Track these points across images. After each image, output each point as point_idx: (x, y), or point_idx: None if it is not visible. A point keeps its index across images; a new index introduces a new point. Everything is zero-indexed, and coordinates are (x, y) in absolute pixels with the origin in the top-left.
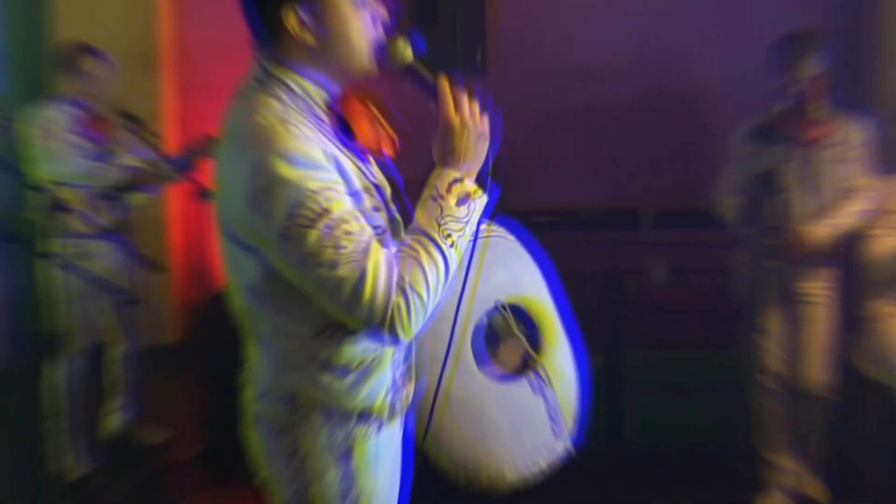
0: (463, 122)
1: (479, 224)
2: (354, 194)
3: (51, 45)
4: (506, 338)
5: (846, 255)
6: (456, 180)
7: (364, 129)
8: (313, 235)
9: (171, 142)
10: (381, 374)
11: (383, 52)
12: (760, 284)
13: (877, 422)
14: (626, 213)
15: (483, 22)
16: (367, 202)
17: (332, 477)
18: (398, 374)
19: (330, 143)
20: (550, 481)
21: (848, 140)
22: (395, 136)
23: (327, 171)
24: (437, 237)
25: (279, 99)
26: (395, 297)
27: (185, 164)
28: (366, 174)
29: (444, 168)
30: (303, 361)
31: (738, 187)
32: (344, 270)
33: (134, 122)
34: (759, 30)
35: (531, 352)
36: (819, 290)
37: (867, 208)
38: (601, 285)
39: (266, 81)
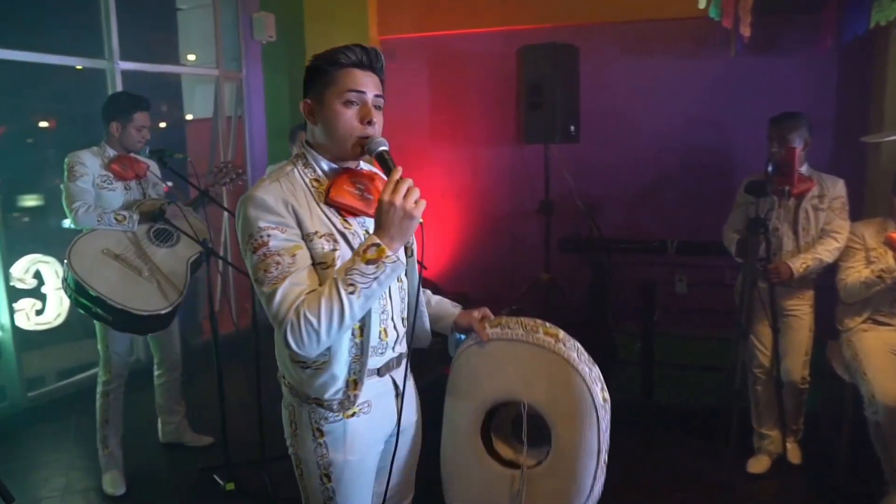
0: (390, 202)
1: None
2: (306, 235)
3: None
4: (516, 433)
5: (824, 281)
6: (375, 245)
7: (343, 195)
8: (254, 258)
9: None
10: (328, 374)
11: (366, 143)
12: (753, 300)
13: (847, 408)
14: (657, 243)
15: (577, 105)
16: (322, 242)
17: (309, 446)
18: (348, 380)
19: (304, 199)
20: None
21: (825, 194)
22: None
23: (279, 217)
24: (340, 284)
25: (295, 165)
26: (292, 316)
27: None
28: (334, 223)
29: (372, 234)
30: (284, 355)
31: (738, 227)
32: (266, 287)
33: None
34: (767, 111)
35: (524, 457)
36: (801, 306)
37: (840, 246)
38: (641, 293)
39: (299, 153)
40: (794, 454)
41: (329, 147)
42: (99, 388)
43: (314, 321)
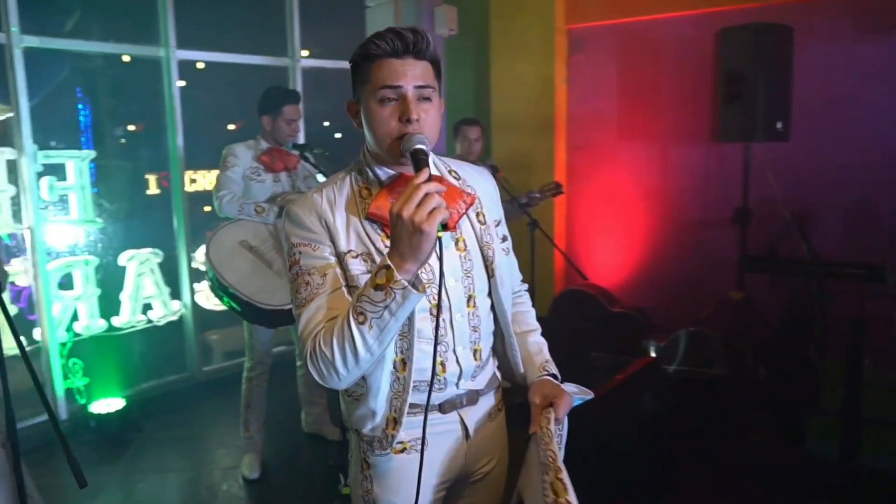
0: (398, 214)
1: None
2: (339, 254)
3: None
4: None
5: None
6: (385, 267)
7: (383, 208)
8: (290, 275)
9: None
10: (366, 407)
11: (402, 142)
12: None
13: None
14: (874, 268)
15: (786, 96)
16: (357, 262)
17: (357, 478)
18: (388, 417)
19: (346, 212)
20: (788, 482)
21: None
22: None
23: (311, 233)
24: (351, 312)
25: (349, 173)
26: (311, 344)
27: (531, 201)
28: (373, 241)
29: (386, 254)
30: None
31: None
32: (296, 309)
33: (495, 169)
34: None
35: None
36: None
37: None
38: (848, 328)
39: (358, 161)
40: None
41: (377, 151)
42: (244, 374)
43: (328, 353)
